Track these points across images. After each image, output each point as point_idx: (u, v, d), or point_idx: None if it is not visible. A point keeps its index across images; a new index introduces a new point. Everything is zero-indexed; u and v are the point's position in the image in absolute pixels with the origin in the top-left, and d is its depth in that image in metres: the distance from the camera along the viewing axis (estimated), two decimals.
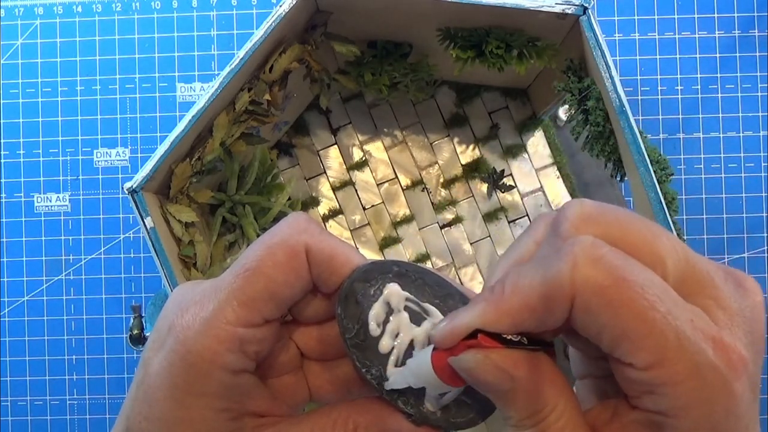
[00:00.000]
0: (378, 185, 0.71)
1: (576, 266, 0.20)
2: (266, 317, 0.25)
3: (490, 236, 0.71)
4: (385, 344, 0.26)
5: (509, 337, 0.22)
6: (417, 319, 0.26)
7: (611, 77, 0.48)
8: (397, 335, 0.26)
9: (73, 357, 0.70)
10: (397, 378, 0.26)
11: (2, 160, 0.71)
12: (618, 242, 0.21)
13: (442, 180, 0.71)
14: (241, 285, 0.25)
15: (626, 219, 0.22)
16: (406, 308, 0.26)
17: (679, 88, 0.70)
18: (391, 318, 0.26)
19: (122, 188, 0.50)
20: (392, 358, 0.26)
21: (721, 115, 0.69)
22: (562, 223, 0.22)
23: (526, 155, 0.71)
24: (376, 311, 0.26)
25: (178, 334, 0.25)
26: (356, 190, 0.71)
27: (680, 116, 0.70)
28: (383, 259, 0.27)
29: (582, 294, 0.20)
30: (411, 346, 0.26)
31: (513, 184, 0.71)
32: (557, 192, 0.71)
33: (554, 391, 0.22)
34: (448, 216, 0.71)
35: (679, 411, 0.20)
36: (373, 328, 0.26)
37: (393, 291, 0.26)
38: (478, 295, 0.23)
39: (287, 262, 0.25)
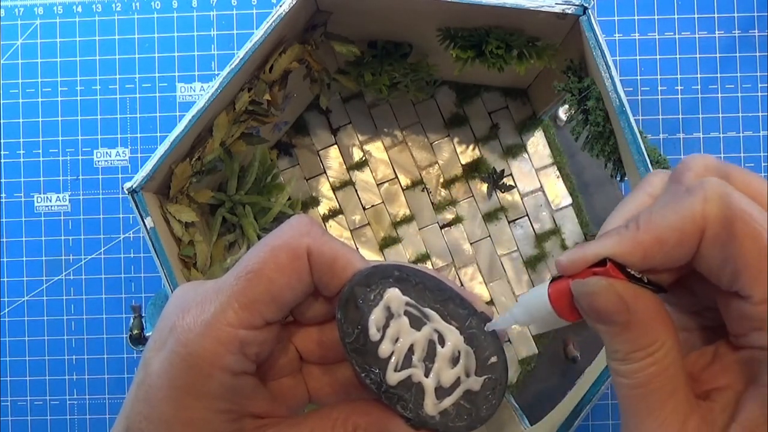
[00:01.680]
0: (378, 185, 0.71)
1: (707, 200, 0.22)
2: (267, 319, 0.25)
3: (490, 236, 0.71)
4: (384, 349, 0.26)
5: (633, 272, 0.23)
6: (417, 323, 0.26)
7: (611, 77, 0.48)
8: (397, 340, 0.26)
9: (73, 357, 0.70)
10: (504, 318, 0.26)
11: (2, 160, 0.71)
12: (740, 190, 0.22)
13: (442, 180, 0.71)
14: (243, 287, 0.25)
15: (747, 172, 0.23)
16: (406, 313, 0.26)
17: (679, 88, 0.70)
18: (391, 323, 0.26)
19: (122, 188, 0.50)
20: (392, 362, 0.26)
21: (721, 115, 0.69)
22: (684, 173, 0.23)
23: (526, 155, 0.71)
24: (376, 316, 0.26)
25: (179, 335, 0.25)
26: (356, 190, 0.71)
27: (680, 116, 0.70)
28: (384, 262, 0.27)
29: (712, 226, 0.21)
30: (411, 350, 0.26)
31: (513, 184, 0.71)
32: (557, 192, 0.71)
33: (664, 330, 0.23)
34: (448, 216, 0.71)
35: None
36: (373, 333, 0.26)
37: (393, 296, 0.26)
38: (610, 231, 0.24)
39: (289, 264, 0.25)
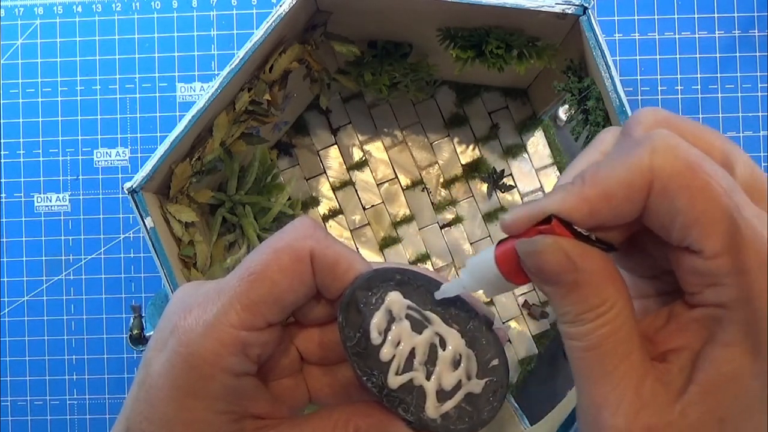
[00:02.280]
0: (378, 185, 0.71)
1: (654, 152, 0.21)
2: (269, 321, 0.25)
3: (490, 236, 0.71)
4: (386, 352, 0.26)
5: (580, 230, 0.22)
6: (418, 327, 0.26)
7: (611, 77, 0.48)
8: (398, 343, 0.26)
9: (73, 357, 0.70)
10: (451, 285, 0.26)
11: (2, 160, 0.71)
12: (691, 143, 0.21)
13: (442, 180, 0.71)
14: (246, 289, 0.25)
15: (698, 125, 0.23)
16: (407, 316, 0.26)
17: (679, 88, 0.70)
18: (392, 326, 0.26)
19: (122, 188, 0.50)
20: (393, 366, 0.26)
21: (721, 115, 0.69)
22: (634, 126, 0.23)
23: (526, 155, 0.71)
24: (377, 320, 0.26)
25: (181, 335, 0.25)
26: (356, 190, 0.71)
27: None
28: (386, 265, 0.27)
29: (660, 177, 0.20)
30: (412, 354, 0.26)
31: (513, 184, 0.71)
32: None
33: (614, 290, 0.22)
34: (448, 216, 0.71)
35: (741, 303, 0.20)
36: (375, 337, 0.26)
37: (395, 299, 0.26)
38: (556, 187, 0.23)
39: (292, 266, 0.25)
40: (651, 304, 0.25)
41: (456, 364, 0.27)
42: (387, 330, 0.26)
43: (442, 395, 0.26)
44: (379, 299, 0.26)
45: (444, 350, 0.27)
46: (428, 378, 0.26)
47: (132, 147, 0.71)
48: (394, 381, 0.26)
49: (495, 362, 0.27)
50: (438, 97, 0.71)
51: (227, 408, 0.25)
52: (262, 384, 0.27)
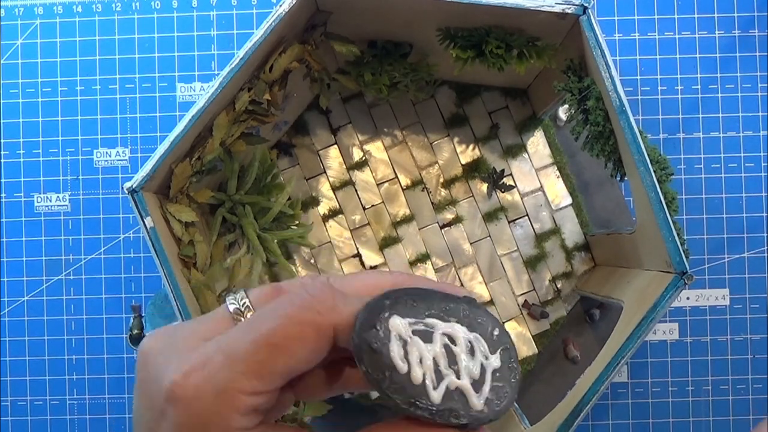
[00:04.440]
0: (378, 185, 0.71)
1: None
2: (279, 385, 0.26)
3: (490, 236, 0.71)
4: (416, 375, 0.26)
5: None
6: (426, 336, 0.27)
7: (611, 77, 0.48)
8: (421, 361, 0.26)
9: (73, 357, 0.70)
10: None
11: (2, 160, 0.71)
12: None
13: (442, 180, 0.71)
14: (264, 359, 0.25)
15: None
16: (414, 333, 0.27)
17: (679, 88, 0.70)
18: (408, 349, 0.27)
19: (122, 188, 0.50)
20: (428, 383, 0.26)
21: (721, 115, 0.69)
22: None
23: (526, 155, 0.71)
24: (395, 350, 0.26)
25: (189, 402, 0.24)
26: (356, 190, 0.71)
27: (680, 116, 0.70)
28: (374, 297, 0.28)
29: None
30: (436, 363, 0.27)
31: (513, 184, 0.71)
32: (557, 192, 0.71)
33: None
34: (448, 216, 0.71)
35: None
36: (401, 366, 0.26)
37: (396, 324, 0.27)
38: None
39: (315, 342, 0.26)
40: None
41: (472, 351, 0.27)
42: (406, 354, 0.26)
43: (476, 385, 0.27)
44: (385, 330, 0.26)
45: (456, 345, 0.27)
46: (459, 377, 0.27)
47: (132, 147, 0.71)
48: (436, 396, 0.26)
49: (496, 332, 0.28)
50: (438, 97, 0.71)
51: None
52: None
